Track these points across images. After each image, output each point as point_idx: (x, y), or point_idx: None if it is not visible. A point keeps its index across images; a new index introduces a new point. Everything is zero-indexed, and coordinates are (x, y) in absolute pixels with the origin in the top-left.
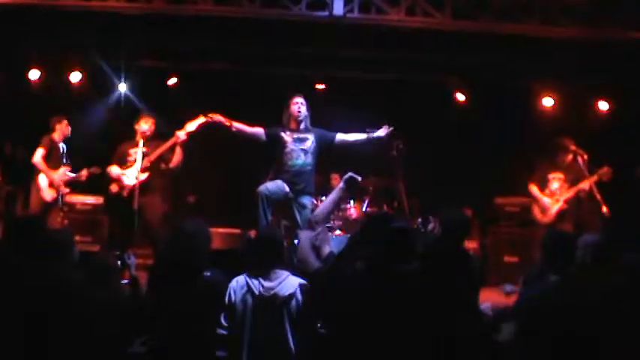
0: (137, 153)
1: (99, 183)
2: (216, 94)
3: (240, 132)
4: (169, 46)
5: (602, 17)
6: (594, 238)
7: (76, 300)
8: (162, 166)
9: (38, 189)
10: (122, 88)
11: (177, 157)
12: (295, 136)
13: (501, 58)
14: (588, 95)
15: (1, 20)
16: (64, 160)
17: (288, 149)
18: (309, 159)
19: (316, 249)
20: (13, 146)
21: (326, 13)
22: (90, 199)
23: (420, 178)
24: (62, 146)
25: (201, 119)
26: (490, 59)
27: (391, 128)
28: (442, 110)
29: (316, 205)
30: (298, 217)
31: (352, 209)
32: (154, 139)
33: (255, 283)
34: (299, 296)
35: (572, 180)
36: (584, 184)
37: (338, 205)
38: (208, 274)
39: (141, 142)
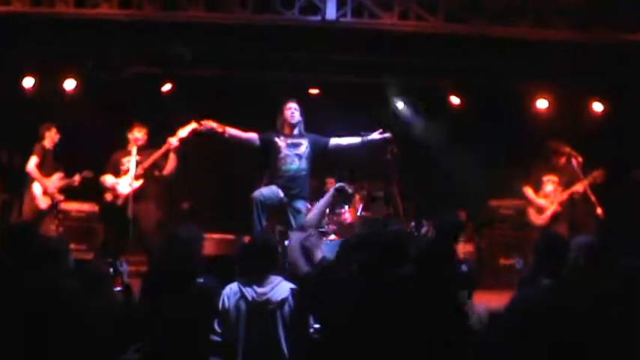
0: (130, 161)
1: (94, 190)
2: (209, 100)
3: (233, 137)
4: (162, 53)
5: (596, 19)
6: (587, 240)
7: (70, 307)
8: (156, 173)
9: (32, 197)
10: None
11: (170, 163)
12: (289, 141)
13: (495, 61)
14: (582, 97)
15: None
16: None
17: (282, 154)
18: (304, 164)
19: (306, 251)
20: (9, 154)
21: (319, 17)
22: (85, 207)
23: (415, 181)
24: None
25: (193, 125)
26: (484, 62)
27: (386, 134)
28: (436, 113)
29: (310, 210)
30: (293, 222)
31: (347, 213)
32: (147, 148)
33: (248, 289)
34: (292, 301)
35: (566, 182)
36: (578, 187)
37: (332, 210)
38: (201, 280)
39: (134, 150)
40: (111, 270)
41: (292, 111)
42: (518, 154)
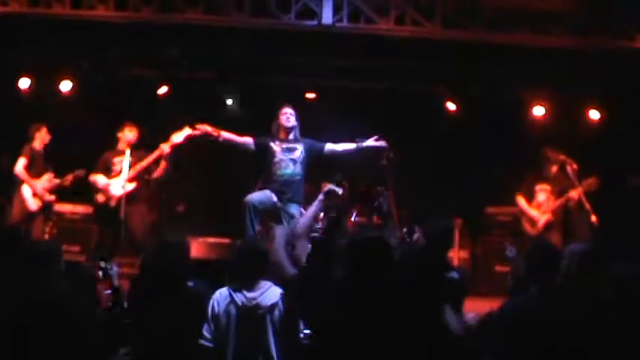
0: (123, 162)
1: (87, 192)
2: (204, 103)
3: (228, 142)
4: (158, 55)
5: (594, 26)
6: (580, 248)
7: (59, 310)
8: (146, 176)
9: (22, 199)
10: None
11: (160, 168)
12: (284, 145)
13: (492, 68)
14: (580, 104)
15: None
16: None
17: (277, 159)
18: (298, 169)
19: (291, 250)
20: (5, 157)
21: (315, 22)
22: (79, 209)
23: (411, 187)
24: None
25: (187, 131)
26: (480, 68)
27: (383, 142)
28: (433, 119)
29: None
30: (287, 227)
31: None
32: (139, 148)
33: (238, 294)
34: (282, 306)
35: (559, 191)
36: (572, 194)
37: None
38: (191, 284)
39: (127, 151)
40: (100, 273)
41: (287, 116)
42: (515, 160)
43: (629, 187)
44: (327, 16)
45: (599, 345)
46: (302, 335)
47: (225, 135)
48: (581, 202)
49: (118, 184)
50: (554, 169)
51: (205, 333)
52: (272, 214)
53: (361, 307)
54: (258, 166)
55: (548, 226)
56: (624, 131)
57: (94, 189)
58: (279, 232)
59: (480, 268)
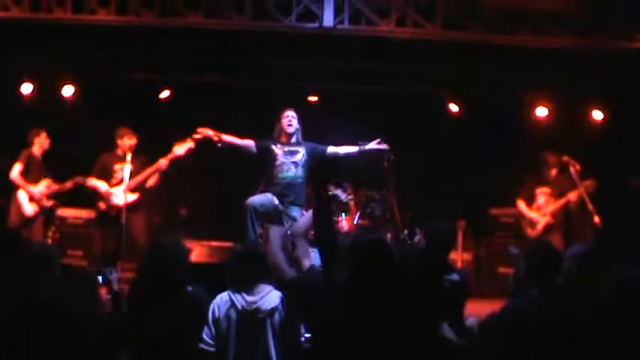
0: (124, 170)
1: (90, 197)
2: (207, 107)
3: (229, 145)
4: (159, 59)
5: (593, 27)
6: (581, 249)
7: (57, 315)
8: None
9: (18, 205)
10: None
11: (154, 179)
12: (286, 149)
13: (494, 69)
14: (582, 105)
15: None
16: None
17: (278, 162)
18: (300, 172)
19: (288, 251)
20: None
21: (316, 24)
22: (83, 214)
23: (413, 189)
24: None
25: (188, 144)
26: (481, 70)
27: (384, 145)
28: (434, 121)
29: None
30: (285, 228)
31: (344, 222)
32: (138, 155)
33: (238, 298)
34: (282, 310)
35: (558, 194)
36: (571, 197)
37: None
38: (190, 289)
39: (128, 157)
40: (100, 277)
41: (289, 119)
42: (517, 161)
43: (632, 188)
44: (328, 19)
45: (600, 346)
46: (303, 339)
47: (227, 138)
48: (584, 203)
49: (119, 193)
50: (554, 172)
51: (205, 337)
52: (273, 217)
53: (362, 309)
54: (261, 170)
55: (547, 228)
56: (625, 132)
57: (93, 193)
58: (274, 233)
59: (483, 270)
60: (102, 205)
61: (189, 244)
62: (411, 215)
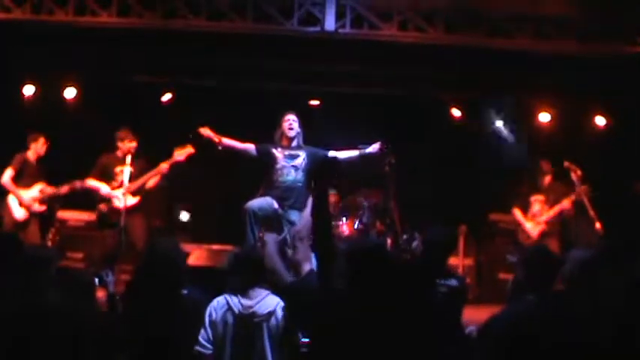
0: (124, 173)
1: (90, 200)
2: (208, 110)
3: (230, 148)
4: (161, 62)
5: (596, 32)
6: (582, 254)
7: (53, 318)
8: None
9: (9, 210)
10: None
11: (154, 182)
12: (287, 152)
13: (496, 73)
14: (583, 110)
15: None
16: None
17: (279, 165)
18: (300, 175)
19: (284, 255)
20: None
21: (318, 28)
22: (82, 216)
23: (414, 194)
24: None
25: (189, 149)
26: (483, 74)
27: (385, 147)
28: (436, 125)
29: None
30: (287, 234)
31: (344, 226)
32: (139, 157)
33: (234, 302)
34: (279, 315)
35: (553, 201)
36: (565, 204)
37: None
38: (186, 292)
39: (128, 159)
40: (96, 280)
41: (290, 123)
42: (519, 167)
43: (635, 194)
44: (330, 23)
45: (598, 352)
46: (300, 344)
47: (226, 141)
48: (584, 209)
49: (120, 197)
50: (548, 179)
51: (202, 340)
52: (272, 221)
53: (359, 314)
54: (262, 173)
55: (542, 236)
56: (628, 137)
57: (96, 196)
58: (270, 239)
59: (484, 275)
60: (103, 207)
61: (189, 247)
62: (409, 220)
